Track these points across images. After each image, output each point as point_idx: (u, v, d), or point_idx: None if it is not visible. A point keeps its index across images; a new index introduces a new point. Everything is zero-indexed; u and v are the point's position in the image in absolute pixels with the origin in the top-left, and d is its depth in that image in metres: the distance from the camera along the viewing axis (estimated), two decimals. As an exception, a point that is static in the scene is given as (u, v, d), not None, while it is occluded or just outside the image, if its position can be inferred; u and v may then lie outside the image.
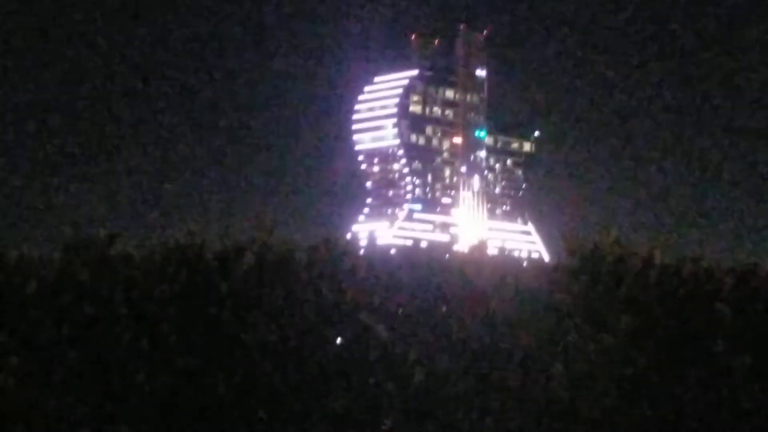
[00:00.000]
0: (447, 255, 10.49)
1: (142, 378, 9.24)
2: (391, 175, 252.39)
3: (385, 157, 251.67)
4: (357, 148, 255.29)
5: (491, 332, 9.34)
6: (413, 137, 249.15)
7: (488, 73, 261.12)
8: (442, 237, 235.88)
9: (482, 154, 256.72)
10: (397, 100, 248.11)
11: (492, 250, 9.42)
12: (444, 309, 9.43)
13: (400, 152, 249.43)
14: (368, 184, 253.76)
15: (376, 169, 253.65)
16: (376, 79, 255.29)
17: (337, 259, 9.76)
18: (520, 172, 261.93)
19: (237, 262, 9.68)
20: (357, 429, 9.00)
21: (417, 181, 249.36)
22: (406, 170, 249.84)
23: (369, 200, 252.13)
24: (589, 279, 9.45)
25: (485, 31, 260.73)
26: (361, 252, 10.11)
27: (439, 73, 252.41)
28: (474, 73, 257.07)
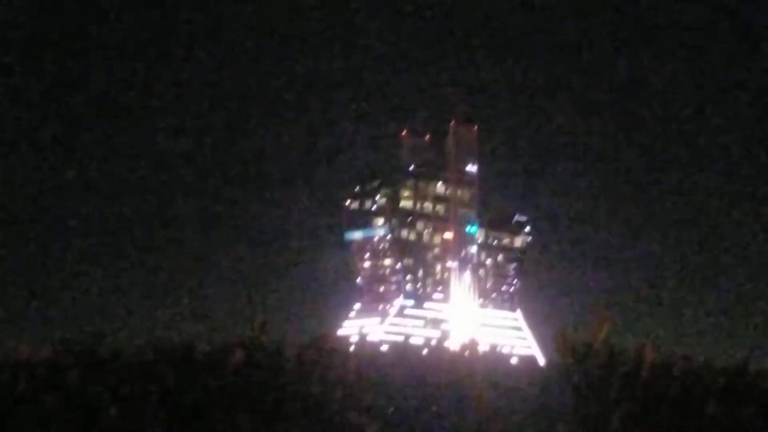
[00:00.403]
0: (438, 354, 10.38)
1: None
2: (382, 271, 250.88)
3: (376, 252, 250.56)
4: (348, 243, 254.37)
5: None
6: (404, 233, 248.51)
7: (479, 169, 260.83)
8: (433, 333, 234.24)
9: (474, 249, 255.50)
10: (388, 195, 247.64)
11: (483, 347, 9.26)
12: (434, 409, 9.39)
13: (392, 248, 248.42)
14: (359, 279, 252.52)
15: (367, 264, 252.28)
16: (368, 174, 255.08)
17: (326, 357, 9.69)
18: (512, 267, 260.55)
19: (226, 360, 9.59)
20: None
21: (408, 277, 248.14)
22: (397, 266, 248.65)
23: (360, 296, 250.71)
24: (580, 379, 9.39)
25: (476, 126, 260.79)
26: (352, 349, 10.01)
27: (429, 169, 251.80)
28: (465, 168, 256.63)
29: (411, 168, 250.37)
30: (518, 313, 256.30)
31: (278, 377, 9.14)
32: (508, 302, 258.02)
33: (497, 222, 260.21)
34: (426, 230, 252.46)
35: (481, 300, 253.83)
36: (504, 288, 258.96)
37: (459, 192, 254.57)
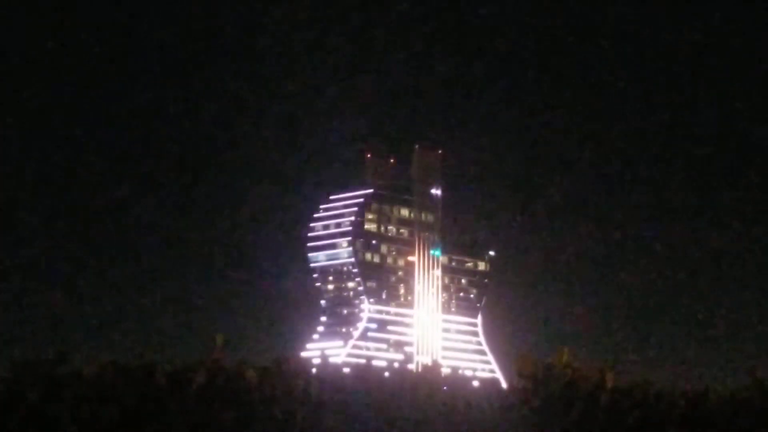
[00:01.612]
0: (401, 376, 10.39)
1: None
2: (345, 293, 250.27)
3: (340, 275, 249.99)
4: (312, 265, 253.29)
5: None
6: (368, 256, 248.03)
7: (443, 193, 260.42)
8: (396, 356, 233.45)
9: (437, 272, 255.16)
10: (352, 218, 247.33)
11: (445, 370, 9.26)
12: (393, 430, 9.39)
13: (355, 270, 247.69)
14: (322, 302, 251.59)
15: (330, 287, 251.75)
16: (331, 197, 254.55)
17: (288, 379, 9.67)
18: (475, 290, 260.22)
19: (187, 381, 9.55)
20: None
21: (371, 300, 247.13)
22: (360, 288, 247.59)
23: (323, 318, 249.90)
24: (540, 402, 9.42)
25: (440, 150, 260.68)
26: (314, 371, 10.01)
27: (394, 192, 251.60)
28: (429, 192, 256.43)
29: (375, 191, 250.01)
30: (481, 338, 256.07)
31: (240, 399, 9.11)
32: (472, 328, 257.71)
33: (459, 246, 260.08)
34: (390, 253, 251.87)
35: (444, 324, 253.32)
36: (467, 312, 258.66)
37: (423, 215, 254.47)
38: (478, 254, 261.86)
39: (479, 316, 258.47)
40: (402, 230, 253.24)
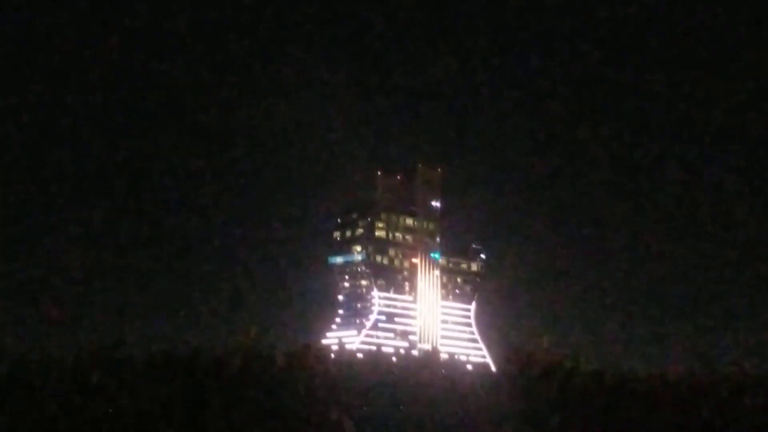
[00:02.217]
0: (406, 361, 10.46)
1: None
2: (359, 290, 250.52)
3: (355, 274, 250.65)
4: (331, 265, 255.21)
5: (437, 426, 9.36)
6: (378, 258, 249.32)
7: (442, 204, 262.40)
8: (402, 344, 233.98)
9: (437, 272, 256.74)
10: (365, 227, 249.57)
11: (444, 356, 9.33)
12: (402, 408, 9.46)
13: (367, 270, 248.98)
14: (339, 297, 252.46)
15: (346, 284, 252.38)
16: (348, 208, 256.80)
17: (311, 362, 9.75)
18: (468, 288, 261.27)
19: (226, 366, 9.62)
20: None
21: (381, 295, 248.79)
22: (372, 285, 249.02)
23: (340, 311, 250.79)
24: (523, 384, 9.49)
25: (439, 169, 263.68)
26: (332, 356, 10.11)
27: (400, 204, 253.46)
28: (430, 203, 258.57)
29: (385, 203, 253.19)
30: (474, 328, 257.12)
31: (270, 379, 9.22)
32: (467, 320, 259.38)
33: (455, 249, 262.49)
34: (397, 256, 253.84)
35: (443, 316, 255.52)
36: (462, 306, 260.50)
37: (425, 224, 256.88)
38: (471, 257, 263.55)
39: (472, 310, 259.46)
40: (407, 237, 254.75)
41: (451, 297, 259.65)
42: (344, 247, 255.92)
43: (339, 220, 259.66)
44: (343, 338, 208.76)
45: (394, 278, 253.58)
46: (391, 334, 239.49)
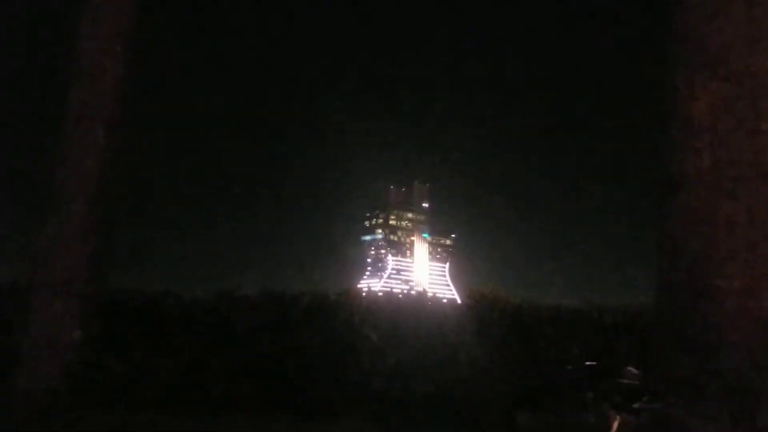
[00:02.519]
0: (407, 298, 10.70)
1: (264, 349, 9.15)
2: (380, 255, 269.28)
3: (378, 247, 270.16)
4: (363, 240, 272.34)
5: (426, 336, 9.50)
6: (392, 236, 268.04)
7: (430, 205, 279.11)
8: (405, 287, 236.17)
9: (426, 245, 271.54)
10: (384, 218, 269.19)
11: (429, 294, 9.61)
12: (405, 324, 9.62)
13: (385, 244, 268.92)
14: (368, 259, 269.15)
15: (372, 251, 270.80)
16: (373, 207, 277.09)
17: (351, 299, 9.92)
18: (445, 254, 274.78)
19: (300, 300, 9.74)
20: (358, 385, 8.98)
21: (393, 260, 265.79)
22: (387, 253, 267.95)
23: (368, 268, 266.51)
24: (477, 310, 9.67)
25: (428, 184, 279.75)
26: (364, 295, 10.30)
27: (404, 205, 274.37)
28: (422, 204, 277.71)
29: (395, 204, 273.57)
30: (448, 279, 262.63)
31: (328, 313, 9.42)
32: (444, 274, 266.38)
33: (438, 232, 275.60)
34: (403, 236, 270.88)
35: (430, 272, 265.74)
36: (441, 266, 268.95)
37: (419, 216, 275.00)
38: (446, 236, 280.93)
39: (447, 268, 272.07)
40: (408, 224, 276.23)
41: (434, 259, 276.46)
42: (371, 230, 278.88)
43: (368, 214, 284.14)
44: (370, 285, 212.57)
45: (400, 248, 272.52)
46: (399, 281, 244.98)
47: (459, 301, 9.27)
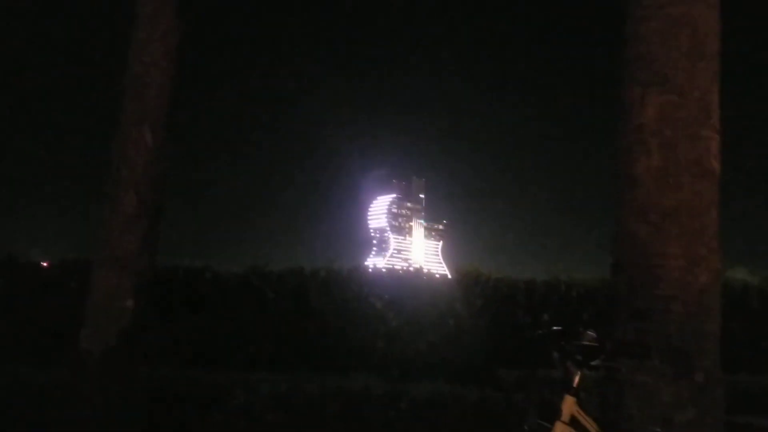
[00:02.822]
0: (406, 273, 10.70)
1: (288, 315, 9.15)
2: (384, 237, 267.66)
3: (383, 231, 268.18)
4: (370, 226, 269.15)
5: (422, 304, 9.50)
6: (394, 223, 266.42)
7: (426, 195, 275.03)
8: (405, 264, 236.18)
9: (422, 230, 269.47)
10: (387, 206, 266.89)
11: (425, 270, 9.66)
12: (404, 295, 9.62)
13: (389, 228, 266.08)
14: (374, 241, 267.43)
15: (377, 235, 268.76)
16: (380, 197, 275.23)
17: (361, 274, 9.93)
18: (438, 236, 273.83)
19: (318, 275, 9.75)
20: (365, 345, 8.98)
21: (395, 242, 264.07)
22: (390, 237, 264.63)
23: (374, 249, 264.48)
24: (464, 283, 9.65)
25: (424, 180, 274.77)
26: (371, 270, 10.30)
27: (404, 196, 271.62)
28: (419, 195, 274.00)
29: (397, 195, 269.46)
30: (440, 257, 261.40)
31: (340, 285, 9.42)
32: (436, 252, 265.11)
33: (432, 218, 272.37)
34: (404, 222, 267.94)
35: (425, 251, 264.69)
36: (434, 246, 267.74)
37: (417, 206, 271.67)
38: (439, 222, 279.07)
39: (440, 247, 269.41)
40: (408, 212, 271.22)
41: (429, 240, 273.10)
42: (376, 217, 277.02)
43: (374, 204, 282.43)
44: (375, 262, 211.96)
45: (401, 232, 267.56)
46: (399, 259, 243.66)
47: (449, 276, 9.28)
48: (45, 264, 9.51)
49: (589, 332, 4.16)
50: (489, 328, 8.97)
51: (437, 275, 10.51)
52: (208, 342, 8.70)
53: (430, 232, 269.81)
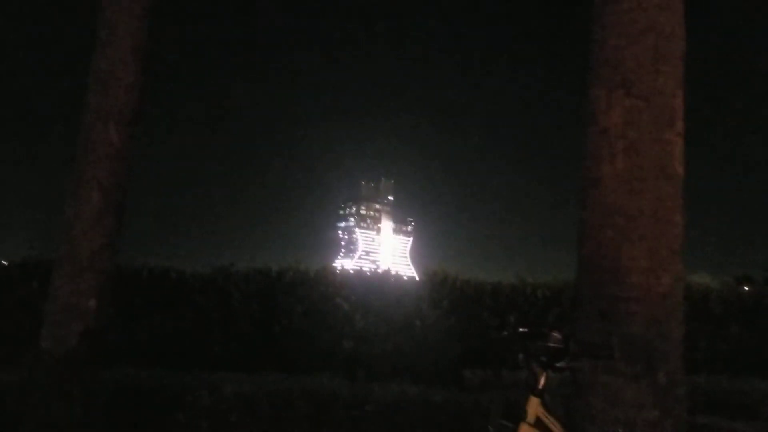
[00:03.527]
0: (375, 275, 10.68)
1: (254, 316, 9.14)
2: (352, 239, 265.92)
3: (351, 232, 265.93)
4: (338, 227, 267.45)
5: (389, 306, 9.50)
6: (362, 224, 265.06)
7: (392, 197, 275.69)
8: (372, 266, 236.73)
9: (390, 230, 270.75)
10: (356, 207, 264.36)
11: (393, 272, 9.65)
12: (371, 296, 9.61)
13: (357, 230, 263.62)
14: (342, 242, 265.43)
15: (346, 236, 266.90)
16: (347, 199, 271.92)
17: (329, 275, 9.89)
18: (405, 237, 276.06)
19: (285, 275, 9.69)
20: (332, 346, 8.98)
21: (363, 243, 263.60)
22: (359, 237, 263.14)
23: (342, 249, 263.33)
24: (431, 285, 9.67)
25: (392, 181, 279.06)
26: (338, 272, 10.31)
27: (372, 198, 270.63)
28: (387, 197, 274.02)
29: (365, 197, 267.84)
30: (408, 258, 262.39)
31: (309, 286, 9.35)
32: (404, 255, 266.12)
33: (400, 219, 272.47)
34: (372, 222, 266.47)
35: (392, 253, 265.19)
36: (401, 248, 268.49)
37: (384, 207, 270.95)
38: (407, 223, 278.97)
39: (408, 248, 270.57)
40: (376, 213, 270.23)
41: (396, 241, 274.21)
42: (345, 218, 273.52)
43: (342, 204, 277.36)
44: (343, 263, 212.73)
45: (369, 234, 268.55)
46: (368, 261, 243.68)
47: (417, 278, 9.24)
48: (4, 263, 9.27)
49: (555, 334, 4.15)
50: (455, 329, 8.98)
51: (405, 277, 10.46)
52: (173, 342, 8.55)
53: (397, 232, 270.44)
